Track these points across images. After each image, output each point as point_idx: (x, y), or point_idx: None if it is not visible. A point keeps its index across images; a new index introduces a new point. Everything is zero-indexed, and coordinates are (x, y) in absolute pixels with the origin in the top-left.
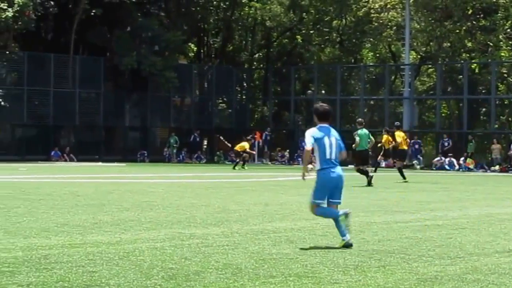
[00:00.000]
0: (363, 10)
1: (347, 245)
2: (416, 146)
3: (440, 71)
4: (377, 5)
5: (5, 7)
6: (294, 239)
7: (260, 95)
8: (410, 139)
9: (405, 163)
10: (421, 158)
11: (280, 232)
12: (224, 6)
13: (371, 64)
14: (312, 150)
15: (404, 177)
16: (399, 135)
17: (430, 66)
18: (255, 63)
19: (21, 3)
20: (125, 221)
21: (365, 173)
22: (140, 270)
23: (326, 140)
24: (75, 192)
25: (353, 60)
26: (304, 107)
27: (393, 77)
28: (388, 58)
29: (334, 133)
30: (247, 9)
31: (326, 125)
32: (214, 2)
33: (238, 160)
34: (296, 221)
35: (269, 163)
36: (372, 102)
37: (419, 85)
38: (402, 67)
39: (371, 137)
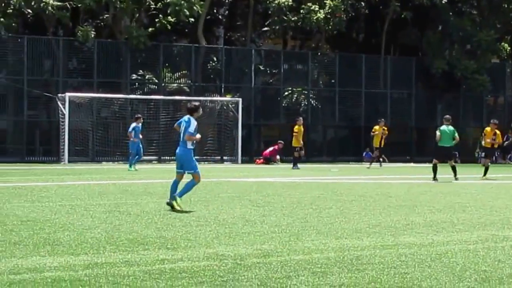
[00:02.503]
0: None
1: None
2: None
3: None
4: None
5: (317, 9)
6: None
7: None
8: None
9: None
10: None
11: None
12: None
13: None
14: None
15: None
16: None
17: None
18: None
19: (332, 5)
20: (437, 223)
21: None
22: (452, 272)
23: (181, 126)
24: (387, 193)
25: None
26: None
27: None
28: None
29: (184, 122)
30: None
31: (187, 116)
32: None
33: None
34: None
35: None
36: None
37: None
38: None
39: (456, 134)
